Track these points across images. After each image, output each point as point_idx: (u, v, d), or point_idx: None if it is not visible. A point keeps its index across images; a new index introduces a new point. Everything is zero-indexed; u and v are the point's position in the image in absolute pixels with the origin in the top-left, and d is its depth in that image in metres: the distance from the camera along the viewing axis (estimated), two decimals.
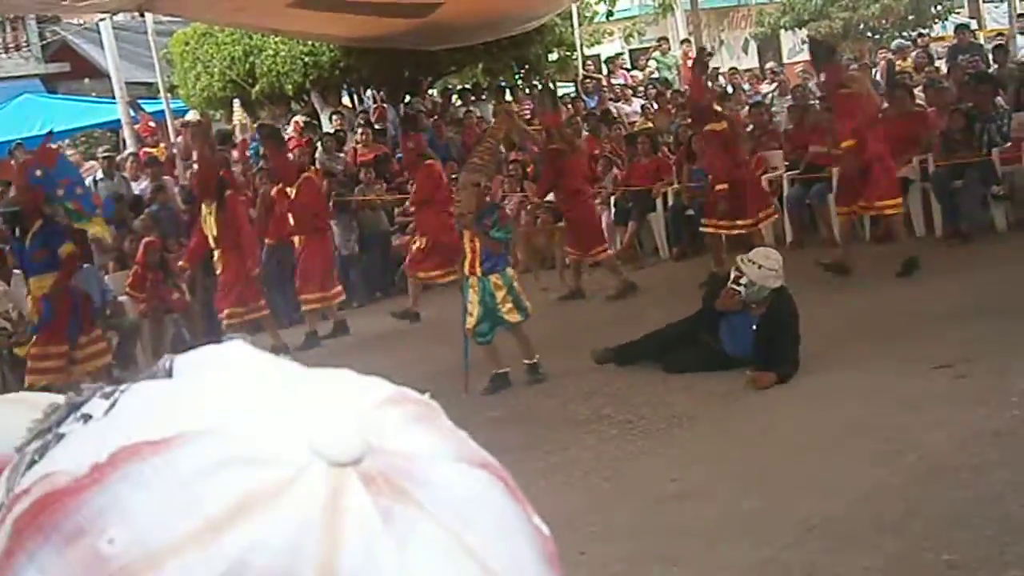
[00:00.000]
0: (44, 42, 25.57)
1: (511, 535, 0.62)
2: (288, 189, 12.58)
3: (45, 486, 0.56)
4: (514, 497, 0.64)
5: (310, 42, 18.46)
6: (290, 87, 19.03)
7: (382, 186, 15.89)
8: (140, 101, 18.40)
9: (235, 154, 16.83)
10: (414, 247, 12.92)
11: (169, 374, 0.64)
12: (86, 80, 24.28)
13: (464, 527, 0.59)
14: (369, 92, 20.45)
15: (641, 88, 22.10)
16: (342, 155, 16.87)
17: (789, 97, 18.35)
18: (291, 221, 12.75)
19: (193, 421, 0.57)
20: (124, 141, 17.98)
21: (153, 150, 16.68)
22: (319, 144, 16.95)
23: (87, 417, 0.61)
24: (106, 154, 16.90)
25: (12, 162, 16.99)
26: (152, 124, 17.04)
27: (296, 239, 12.85)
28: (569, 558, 5.55)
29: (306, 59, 18.66)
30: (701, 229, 12.63)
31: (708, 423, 7.50)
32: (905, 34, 27.62)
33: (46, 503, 0.55)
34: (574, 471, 6.97)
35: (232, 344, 0.67)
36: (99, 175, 16.40)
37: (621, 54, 26.46)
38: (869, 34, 29.86)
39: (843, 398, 7.42)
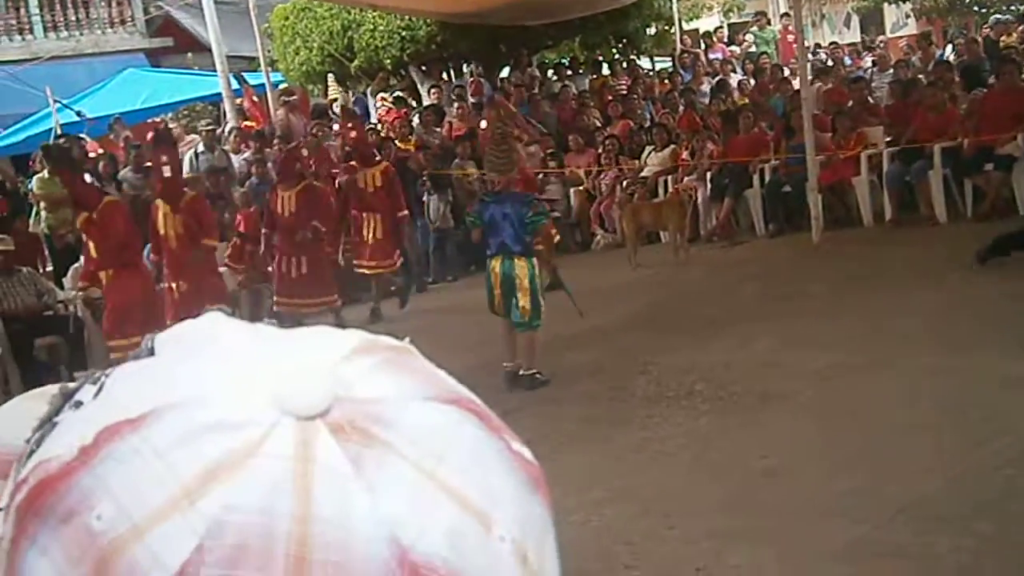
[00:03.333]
0: (148, 17, 25.99)
1: (487, 465, 0.63)
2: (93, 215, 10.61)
3: (39, 473, 0.59)
4: (489, 427, 0.64)
5: (407, 17, 18.55)
6: (388, 61, 19.14)
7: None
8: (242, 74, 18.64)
9: (336, 127, 17.02)
10: None
11: (152, 352, 0.67)
12: (189, 55, 24.65)
13: (437, 463, 0.60)
14: (466, 67, 20.50)
15: (738, 62, 21.88)
16: (439, 129, 16.95)
17: (891, 71, 18.06)
18: (92, 254, 10.81)
19: (165, 396, 0.60)
20: (224, 114, 18.21)
21: (254, 124, 16.87)
22: (416, 118, 17.06)
23: (79, 404, 0.64)
24: (207, 127, 17.16)
25: (111, 136, 17.38)
26: (255, 98, 17.25)
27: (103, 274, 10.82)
28: (658, 533, 5.55)
29: (403, 33, 18.75)
30: None
31: (800, 401, 7.44)
32: (1013, 8, 26.94)
33: (41, 488, 0.58)
34: (665, 447, 6.96)
35: (209, 316, 0.69)
36: (200, 148, 16.66)
37: (719, 28, 26.19)
38: (976, 8, 29.18)
39: (940, 379, 7.30)
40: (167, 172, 10.82)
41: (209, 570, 0.55)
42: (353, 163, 13.03)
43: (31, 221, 14.38)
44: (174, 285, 10.99)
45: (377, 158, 13.17)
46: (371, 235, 12.64)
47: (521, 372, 8.78)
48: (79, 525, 0.57)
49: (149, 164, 15.15)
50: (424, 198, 15.21)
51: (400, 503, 0.59)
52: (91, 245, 10.61)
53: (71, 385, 0.68)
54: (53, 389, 0.73)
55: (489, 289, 8.83)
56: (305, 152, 13.44)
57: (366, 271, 12.87)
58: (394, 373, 0.64)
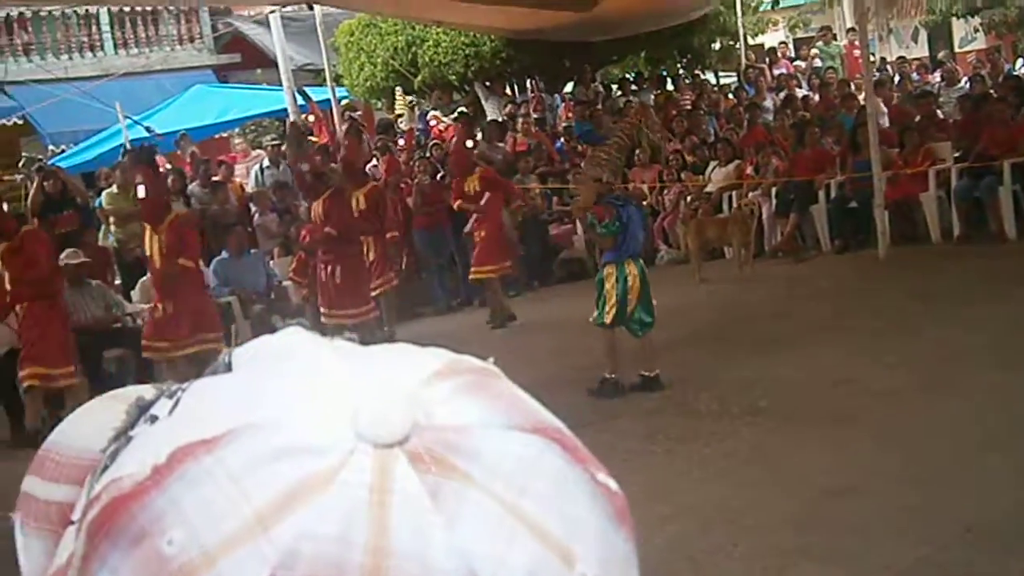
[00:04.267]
0: (216, 34, 26.25)
1: (570, 498, 0.61)
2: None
3: (112, 491, 0.58)
4: (573, 457, 0.62)
5: (472, 33, 18.63)
6: (453, 76, 19.23)
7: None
8: (307, 89, 18.78)
9: (401, 142, 17.13)
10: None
11: (229, 368, 0.65)
12: (258, 70, 24.88)
13: (518, 495, 0.59)
14: (530, 82, 20.53)
15: (804, 77, 21.72)
16: (502, 144, 16.98)
17: (962, 85, 17.83)
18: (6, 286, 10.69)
19: (241, 416, 0.58)
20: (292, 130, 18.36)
21: (318, 139, 16.99)
22: (480, 133, 17.11)
23: (154, 418, 0.63)
24: (273, 142, 17.32)
25: (178, 152, 17.58)
26: (320, 113, 17.39)
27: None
28: (722, 550, 5.49)
29: (467, 49, 18.84)
30: None
31: (868, 420, 7.35)
32: None
33: (114, 508, 0.57)
34: (730, 463, 6.91)
35: (288, 331, 0.68)
36: (265, 163, 16.82)
37: (784, 43, 26.01)
38: None
39: (1008, 397, 7.19)
40: (141, 192, 10.59)
41: None
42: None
43: (99, 236, 14.56)
44: (159, 306, 10.71)
45: (367, 179, 13.31)
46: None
47: (646, 374, 8.88)
48: (150, 549, 0.55)
49: (217, 179, 15.36)
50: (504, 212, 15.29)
51: (479, 538, 0.57)
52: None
53: (147, 396, 0.67)
54: (132, 395, 0.72)
55: (621, 295, 8.81)
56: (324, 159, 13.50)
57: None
58: (476, 398, 0.62)
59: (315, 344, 0.66)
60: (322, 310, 12.06)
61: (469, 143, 13.87)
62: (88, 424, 0.73)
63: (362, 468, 0.57)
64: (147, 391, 0.71)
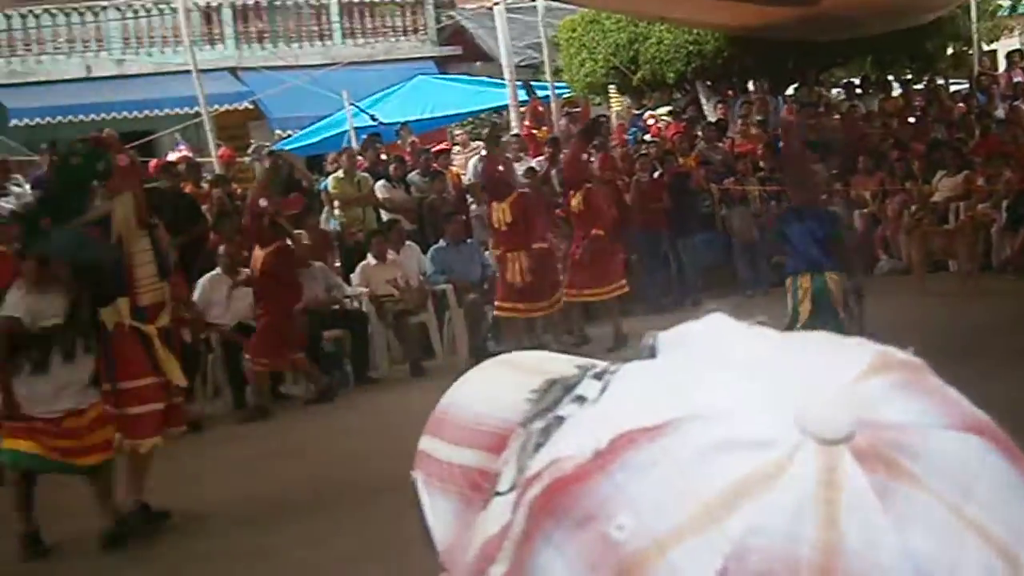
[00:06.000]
0: (439, 26, 26.79)
1: (1011, 501, 0.58)
2: None
3: (554, 471, 0.58)
4: (1009, 456, 0.60)
5: (695, 30, 18.50)
6: (672, 75, 19.14)
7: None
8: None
9: (613, 139, 17.14)
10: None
11: (653, 353, 0.65)
12: (477, 63, 25.28)
13: (963, 499, 0.56)
14: (752, 83, 20.27)
15: None
16: (721, 145, 16.82)
17: None
18: None
19: (683, 405, 0.58)
20: (509, 123, 18.56)
21: (536, 132, 17.13)
22: (699, 133, 16.99)
23: (581, 399, 0.63)
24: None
25: (399, 142, 17.97)
26: (540, 108, 17.54)
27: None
28: None
29: (690, 47, 18.72)
30: None
31: None
32: None
33: (555, 488, 0.58)
34: None
35: (713, 317, 0.67)
36: (484, 154, 17.03)
37: (1020, 50, 25.02)
38: None
39: None
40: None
41: None
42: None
43: (321, 219, 14.99)
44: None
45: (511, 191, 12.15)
46: (517, 275, 11.73)
47: None
48: (597, 532, 0.56)
49: (436, 168, 15.64)
50: (722, 212, 15.13)
51: (929, 543, 0.55)
52: None
53: (569, 374, 0.67)
54: (523, 359, 0.73)
55: (793, 306, 8.66)
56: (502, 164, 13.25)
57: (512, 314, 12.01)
58: (913, 395, 0.60)
59: (745, 331, 0.66)
60: (504, 304, 11.91)
61: (584, 155, 13.49)
62: (486, 390, 0.74)
63: (808, 464, 0.56)
64: (556, 363, 0.72)
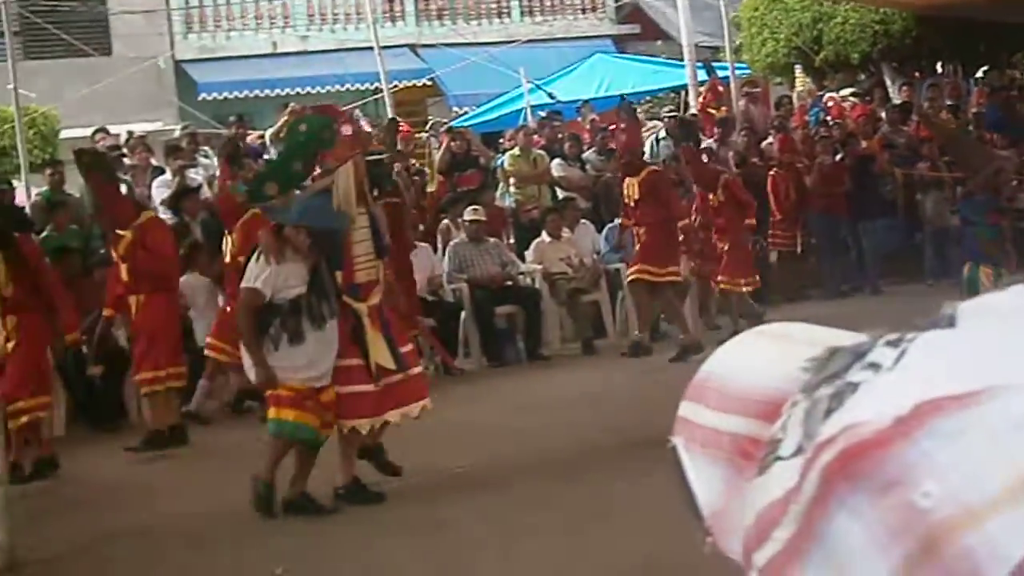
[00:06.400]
0: (618, 4, 26.66)
1: None
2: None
3: (850, 436, 0.57)
4: None
5: (882, 10, 18.00)
6: (856, 55, 18.68)
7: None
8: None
9: (794, 121, 16.82)
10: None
11: (951, 323, 0.62)
12: (659, 42, 25.10)
13: None
14: (940, 65, 19.66)
15: None
16: (905, 128, 16.35)
17: None
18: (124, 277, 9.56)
19: (996, 375, 0.56)
20: (686, 104, 18.37)
21: (714, 112, 16.91)
22: (883, 116, 16.57)
23: (875, 366, 0.60)
24: (671, 114, 17.37)
25: (579, 119, 17.95)
26: (720, 88, 17.28)
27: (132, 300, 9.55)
28: None
29: (876, 27, 18.23)
30: None
31: None
32: None
33: (853, 453, 0.56)
34: None
35: (1018, 289, 0.65)
36: (661, 134, 16.88)
37: None
38: None
39: None
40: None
41: None
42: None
43: (496, 195, 15.08)
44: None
45: (643, 167, 12.14)
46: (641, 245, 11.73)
47: None
48: (900, 498, 0.54)
49: (613, 147, 15.58)
50: (918, 196, 14.75)
51: None
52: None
53: (859, 343, 0.65)
54: (795, 332, 0.71)
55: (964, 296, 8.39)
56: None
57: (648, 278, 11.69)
58: None
59: None
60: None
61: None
62: (752, 360, 0.72)
63: None
64: (823, 333, 0.70)
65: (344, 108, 20.07)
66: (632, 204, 11.75)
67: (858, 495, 0.55)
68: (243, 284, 7.00)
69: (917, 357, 0.59)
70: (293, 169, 7.24)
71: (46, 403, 9.02)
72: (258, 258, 6.96)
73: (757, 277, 12.38)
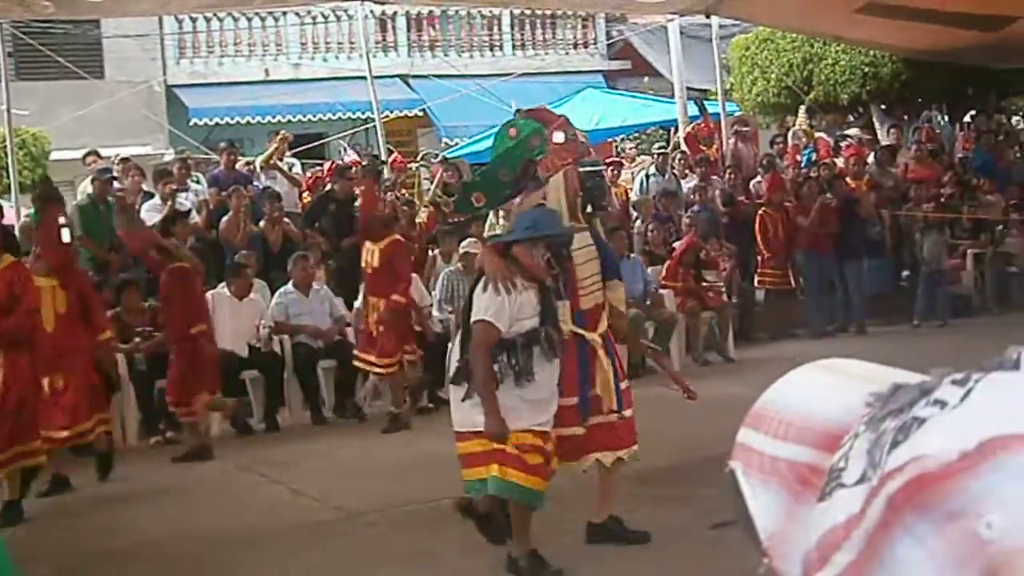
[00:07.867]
0: (609, 40, 26.81)
1: None
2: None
3: (917, 468, 0.59)
4: None
5: (872, 52, 18.17)
6: (846, 97, 18.82)
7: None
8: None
9: (787, 159, 16.90)
10: None
11: (1017, 367, 0.64)
12: (646, 78, 25.24)
13: None
14: (928, 109, 19.80)
15: None
16: (893, 170, 16.46)
17: None
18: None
19: None
20: (679, 141, 18.43)
21: (706, 150, 16.98)
22: (872, 156, 16.69)
23: (942, 403, 0.62)
24: (660, 151, 17.44)
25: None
26: (711, 125, 17.37)
27: None
28: None
29: (866, 69, 18.39)
30: None
31: None
32: None
33: (919, 483, 0.58)
34: None
35: None
36: (651, 170, 16.95)
37: None
38: None
39: None
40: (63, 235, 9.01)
41: None
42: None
43: (486, 227, 15.07)
44: (47, 380, 8.70)
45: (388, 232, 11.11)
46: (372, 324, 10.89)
47: None
48: (965, 527, 0.56)
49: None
50: (916, 237, 14.87)
51: None
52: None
53: (927, 380, 0.67)
54: (853, 368, 0.73)
55: None
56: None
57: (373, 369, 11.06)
58: None
59: None
60: None
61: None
62: (810, 391, 0.74)
63: None
64: (881, 371, 0.72)
65: (336, 136, 20.31)
66: (371, 272, 10.93)
67: (923, 523, 0.57)
68: (474, 318, 5.90)
69: (983, 396, 0.61)
70: (500, 178, 6.60)
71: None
72: (485, 287, 5.91)
73: None
